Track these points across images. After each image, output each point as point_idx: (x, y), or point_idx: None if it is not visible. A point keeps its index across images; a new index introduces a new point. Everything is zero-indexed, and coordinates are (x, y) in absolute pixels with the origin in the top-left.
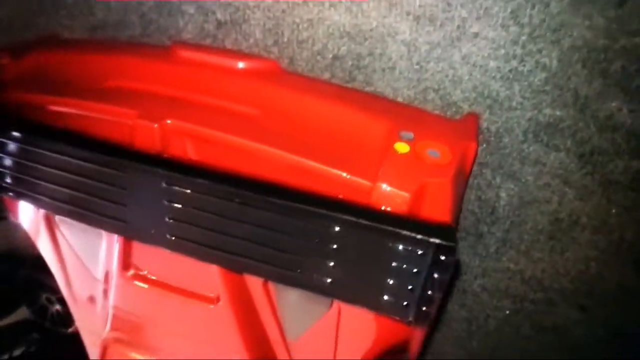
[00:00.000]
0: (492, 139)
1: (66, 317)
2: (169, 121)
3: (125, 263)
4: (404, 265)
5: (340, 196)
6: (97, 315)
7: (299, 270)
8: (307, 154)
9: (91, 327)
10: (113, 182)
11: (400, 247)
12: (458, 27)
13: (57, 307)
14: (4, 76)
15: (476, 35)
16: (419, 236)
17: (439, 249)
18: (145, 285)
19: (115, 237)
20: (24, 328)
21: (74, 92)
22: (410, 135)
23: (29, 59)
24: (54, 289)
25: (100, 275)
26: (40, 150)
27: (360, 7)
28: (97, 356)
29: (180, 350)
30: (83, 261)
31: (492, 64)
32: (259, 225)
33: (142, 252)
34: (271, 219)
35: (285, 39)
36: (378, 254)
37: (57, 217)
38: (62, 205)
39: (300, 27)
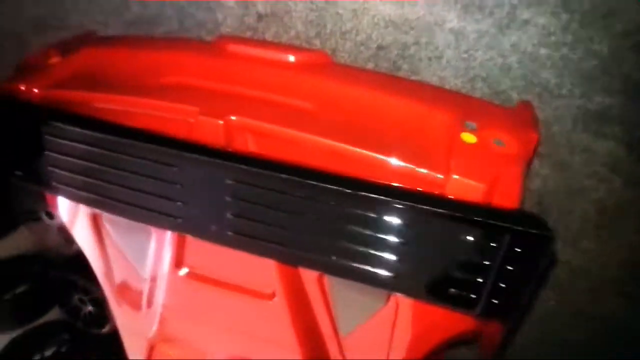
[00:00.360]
0: (541, 127)
1: (99, 318)
2: (233, 117)
3: (178, 261)
4: (476, 257)
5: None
6: (142, 314)
7: (362, 264)
8: (373, 147)
9: (134, 326)
10: (173, 179)
11: (474, 237)
12: (508, 14)
13: (90, 307)
14: (54, 74)
15: (526, 22)
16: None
17: (518, 238)
18: (199, 283)
19: (168, 235)
20: (55, 328)
21: (128, 89)
22: (474, 125)
23: (78, 56)
24: (87, 290)
25: (147, 273)
26: (97, 148)
27: None
28: (141, 356)
29: (232, 347)
30: (129, 260)
31: (543, 51)
32: (324, 219)
33: (196, 249)
34: (336, 211)
35: (328, 31)
36: (448, 245)
37: (105, 216)
38: (117, 204)
39: (344, 17)
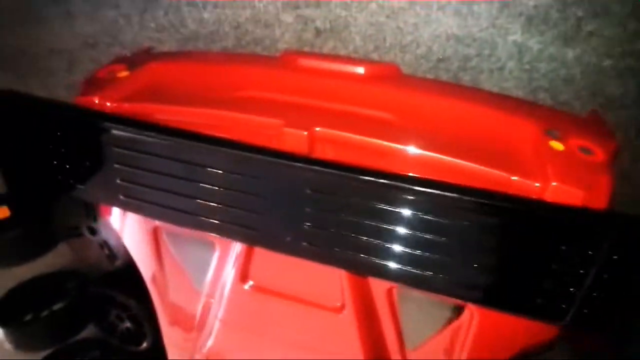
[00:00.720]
0: None
1: (137, 334)
2: (318, 129)
3: (243, 274)
4: (572, 265)
5: None
6: (195, 331)
7: (444, 274)
8: (462, 156)
9: (184, 342)
10: (254, 190)
11: (571, 244)
12: (572, 26)
13: (128, 324)
14: (125, 88)
15: (591, 34)
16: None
17: (620, 244)
18: (264, 297)
19: (232, 248)
20: (87, 346)
21: (203, 102)
22: (557, 133)
23: (147, 70)
24: (126, 306)
25: (205, 289)
26: (175, 160)
27: (470, 8)
28: None
29: None
30: (187, 275)
31: (607, 62)
32: (407, 227)
33: (262, 262)
34: (420, 219)
35: (388, 44)
36: (542, 254)
37: (166, 231)
38: (193, 218)
39: (405, 31)
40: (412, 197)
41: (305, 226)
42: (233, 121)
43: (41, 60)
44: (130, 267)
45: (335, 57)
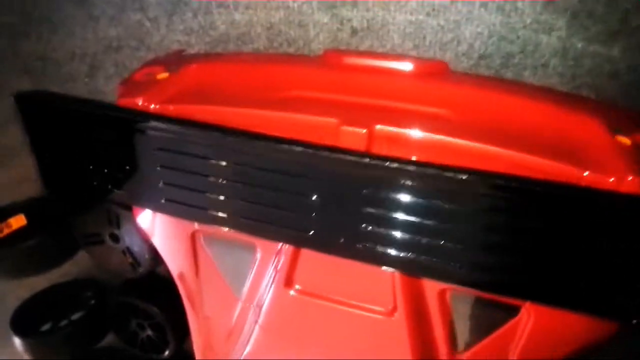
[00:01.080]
0: None
1: (159, 343)
2: (378, 126)
3: (288, 279)
4: None
5: None
6: (230, 336)
7: (513, 276)
8: (529, 151)
9: (217, 350)
10: (309, 190)
11: None
12: (619, 20)
13: (149, 332)
14: (167, 90)
15: (637, 28)
16: None
17: None
18: (310, 302)
19: (280, 251)
20: (105, 355)
21: (250, 103)
22: (620, 127)
23: (187, 72)
24: (148, 314)
25: (243, 295)
26: (225, 161)
27: (514, 5)
28: None
29: None
30: (224, 281)
31: None
32: (472, 227)
33: (309, 266)
34: (489, 218)
35: (427, 42)
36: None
37: (204, 235)
38: (234, 220)
39: (446, 28)
40: (485, 195)
41: (361, 227)
42: (283, 121)
43: (62, 65)
44: (153, 274)
45: (382, 55)
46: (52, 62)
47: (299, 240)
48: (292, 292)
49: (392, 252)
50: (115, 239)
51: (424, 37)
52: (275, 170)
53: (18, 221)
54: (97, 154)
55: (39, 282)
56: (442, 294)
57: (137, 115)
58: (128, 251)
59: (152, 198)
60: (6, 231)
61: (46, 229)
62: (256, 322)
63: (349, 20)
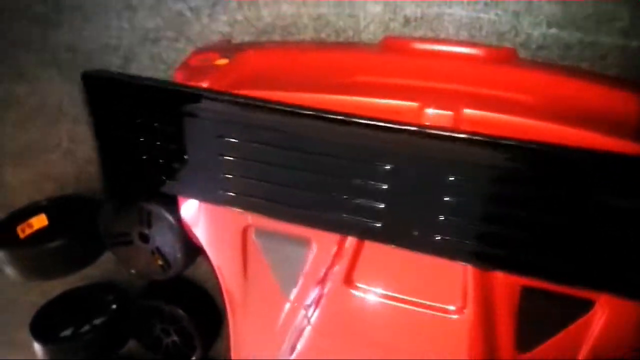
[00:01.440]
0: None
1: (184, 349)
2: (466, 110)
3: (348, 277)
4: None
5: None
6: (275, 336)
7: (592, 267)
8: (618, 134)
9: (261, 350)
10: (378, 179)
11: None
12: None
13: (175, 337)
14: (228, 75)
15: None
16: None
17: None
18: (371, 300)
19: (340, 245)
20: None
21: (322, 89)
22: None
23: (247, 58)
24: (174, 318)
25: (293, 293)
26: (283, 148)
27: None
28: None
29: None
30: (274, 278)
31: None
32: (564, 218)
33: (370, 262)
34: (573, 204)
35: (484, 33)
36: None
37: (257, 230)
38: (298, 212)
39: (503, 19)
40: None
41: (440, 218)
42: (358, 106)
43: (93, 56)
44: (180, 278)
45: (450, 41)
46: (83, 54)
47: (366, 233)
48: (352, 291)
49: (472, 245)
50: (145, 238)
51: (481, 28)
52: (346, 155)
53: (39, 221)
54: (156, 140)
55: (53, 286)
56: (512, 289)
57: (214, 94)
58: (158, 251)
59: (209, 189)
60: (28, 231)
61: (69, 229)
62: (308, 322)
63: (402, 9)
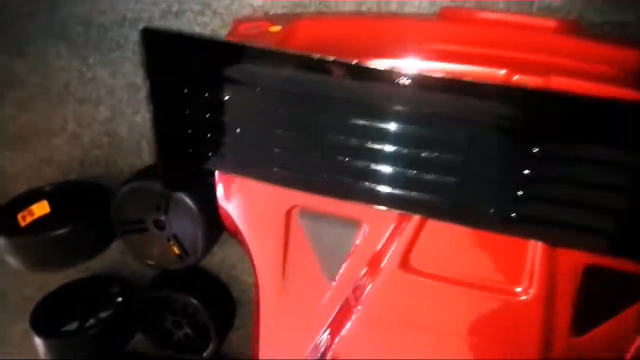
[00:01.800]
0: None
1: (198, 342)
2: (555, 78)
3: (404, 260)
4: None
5: None
6: (314, 321)
7: None
8: None
9: (296, 335)
10: (450, 150)
11: None
12: None
13: (187, 330)
14: (283, 43)
15: None
16: None
17: None
18: (430, 284)
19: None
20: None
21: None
22: None
23: (301, 26)
24: (187, 310)
25: (337, 276)
26: (348, 115)
27: None
28: None
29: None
30: (317, 262)
31: None
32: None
33: (430, 243)
34: None
35: (535, 8)
36: None
37: (302, 212)
38: (359, 189)
39: None
40: None
41: (519, 194)
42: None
43: (108, 30)
44: (195, 267)
45: (511, 12)
46: (97, 27)
47: (433, 212)
48: (409, 274)
49: (550, 222)
50: (161, 225)
51: (531, 4)
52: (420, 123)
53: (41, 208)
54: (209, 110)
55: (49, 279)
56: (576, 268)
57: (283, 53)
58: (175, 239)
59: (261, 165)
60: (28, 219)
61: (73, 217)
62: (354, 307)
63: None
